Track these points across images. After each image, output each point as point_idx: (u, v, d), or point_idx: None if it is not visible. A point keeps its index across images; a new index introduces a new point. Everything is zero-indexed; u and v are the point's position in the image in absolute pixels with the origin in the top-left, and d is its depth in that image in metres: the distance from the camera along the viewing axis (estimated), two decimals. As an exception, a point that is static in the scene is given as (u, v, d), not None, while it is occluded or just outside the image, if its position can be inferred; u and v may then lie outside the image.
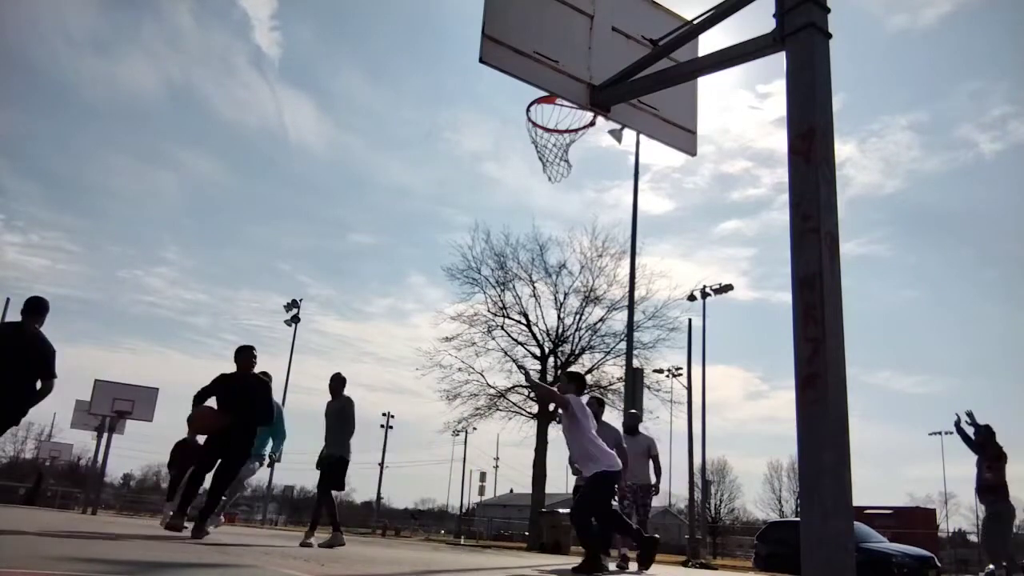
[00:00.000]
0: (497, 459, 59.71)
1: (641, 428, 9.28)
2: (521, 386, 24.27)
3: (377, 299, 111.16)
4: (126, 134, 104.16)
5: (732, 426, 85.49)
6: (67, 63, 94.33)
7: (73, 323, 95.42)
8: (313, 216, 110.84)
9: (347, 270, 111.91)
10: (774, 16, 4.11)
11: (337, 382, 8.26)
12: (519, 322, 24.21)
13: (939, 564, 14.61)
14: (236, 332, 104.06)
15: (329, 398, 8.25)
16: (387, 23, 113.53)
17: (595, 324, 24.28)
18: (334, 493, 8.24)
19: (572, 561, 10.45)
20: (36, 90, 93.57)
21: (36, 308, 5.99)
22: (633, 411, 10.26)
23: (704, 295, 26.44)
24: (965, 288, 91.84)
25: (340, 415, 8.09)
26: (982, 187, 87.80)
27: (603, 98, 5.35)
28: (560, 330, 24.29)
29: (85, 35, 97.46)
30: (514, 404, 24.29)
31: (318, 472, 8.10)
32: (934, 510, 32.96)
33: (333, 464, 8.02)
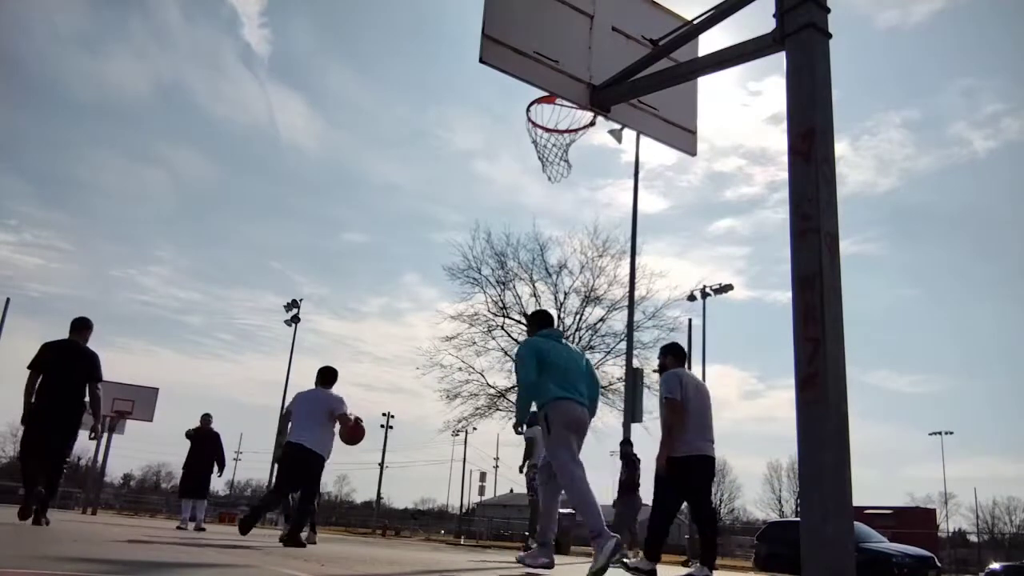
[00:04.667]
0: (497, 459, 59.72)
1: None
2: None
3: (371, 298, 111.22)
4: (116, 132, 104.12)
5: (729, 426, 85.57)
6: (56, 60, 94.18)
7: (67, 322, 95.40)
8: (305, 214, 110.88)
9: (341, 269, 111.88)
10: (774, 16, 4.11)
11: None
12: (519, 322, 24.20)
13: (939, 564, 14.61)
14: (231, 331, 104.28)
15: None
16: (378, 20, 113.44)
17: (595, 324, 24.30)
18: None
19: (572, 561, 10.42)
20: (25, 88, 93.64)
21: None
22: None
23: (704, 295, 26.45)
24: (960, 287, 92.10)
25: None
26: (976, 185, 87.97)
27: (603, 98, 5.35)
28: (560, 330, 24.31)
29: (73, 32, 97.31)
30: (514, 404, 24.28)
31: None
32: (934, 510, 32.95)
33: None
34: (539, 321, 5.53)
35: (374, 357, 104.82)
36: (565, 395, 4.93)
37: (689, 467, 5.52)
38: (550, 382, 4.99)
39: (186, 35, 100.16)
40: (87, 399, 6.80)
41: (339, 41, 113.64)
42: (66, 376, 6.57)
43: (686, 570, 5.79)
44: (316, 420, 7.34)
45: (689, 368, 25.22)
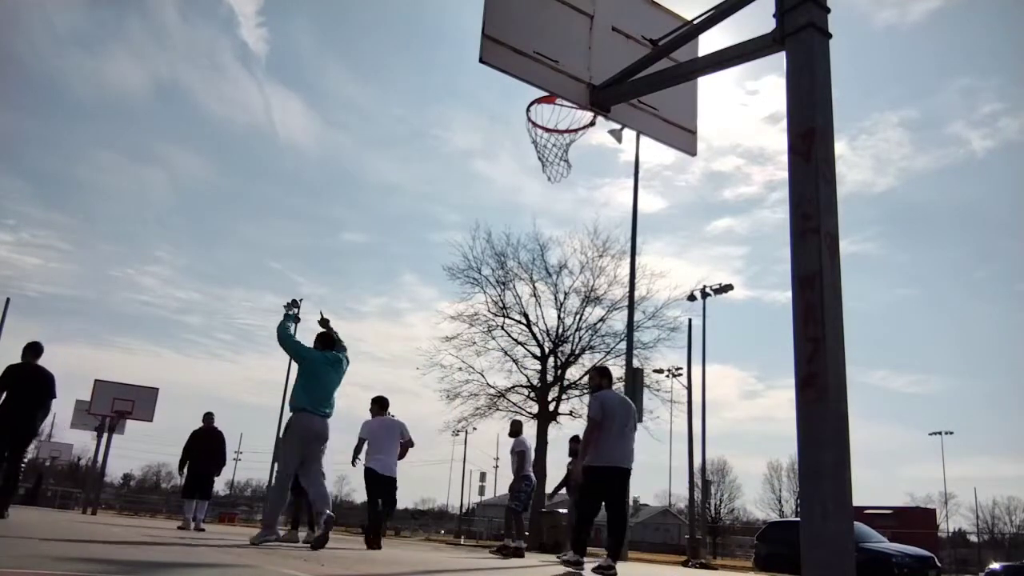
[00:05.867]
0: (497, 459, 59.64)
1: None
2: (521, 386, 24.29)
3: (370, 298, 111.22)
4: (115, 131, 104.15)
5: (728, 426, 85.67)
6: (54, 60, 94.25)
7: (66, 322, 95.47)
8: (304, 214, 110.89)
9: (339, 269, 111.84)
10: (774, 16, 4.11)
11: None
12: (519, 322, 24.21)
13: (939, 564, 14.61)
14: (230, 331, 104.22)
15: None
16: (375, 19, 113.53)
17: (595, 324, 24.28)
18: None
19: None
20: (23, 87, 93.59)
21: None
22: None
23: (704, 295, 26.45)
24: (958, 286, 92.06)
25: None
26: (974, 184, 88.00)
27: (603, 98, 5.35)
28: (560, 330, 24.28)
29: (70, 31, 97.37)
30: (514, 404, 24.29)
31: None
32: (934, 510, 32.98)
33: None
34: (323, 342, 7.08)
35: (373, 357, 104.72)
36: (311, 409, 6.64)
37: (610, 476, 6.40)
38: (305, 394, 6.67)
39: (183, 34, 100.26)
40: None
41: (337, 40, 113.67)
42: (28, 393, 7.75)
43: (597, 562, 6.49)
44: (393, 446, 8.65)
45: (689, 368, 24.66)
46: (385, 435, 8.60)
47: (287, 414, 9.64)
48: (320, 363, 6.81)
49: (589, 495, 6.49)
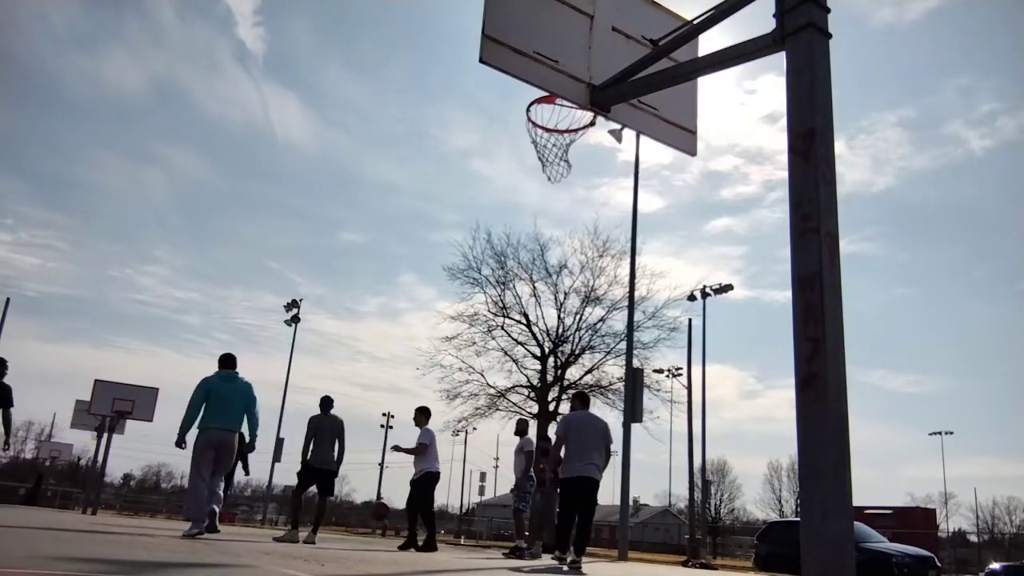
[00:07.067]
0: (497, 459, 59.71)
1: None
2: (521, 386, 24.31)
3: (369, 298, 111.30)
4: (113, 131, 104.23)
5: (728, 425, 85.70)
6: (51, 60, 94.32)
7: (65, 322, 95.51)
8: (303, 214, 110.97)
9: (338, 268, 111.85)
10: (774, 16, 4.11)
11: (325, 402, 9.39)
12: (519, 322, 24.20)
13: (939, 564, 14.61)
14: (229, 331, 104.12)
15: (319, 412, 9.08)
16: (374, 19, 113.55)
17: (595, 324, 24.27)
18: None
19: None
20: (23, 87, 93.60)
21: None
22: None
23: (704, 295, 26.44)
24: (957, 286, 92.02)
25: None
26: (972, 184, 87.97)
27: (603, 98, 5.34)
28: (560, 330, 24.28)
29: (68, 31, 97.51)
30: (514, 404, 24.29)
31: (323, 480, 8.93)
32: (934, 510, 32.94)
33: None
34: (222, 363, 7.72)
35: (372, 357, 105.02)
36: (211, 425, 7.31)
37: (578, 485, 7.12)
38: (206, 413, 7.32)
39: (181, 34, 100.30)
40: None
41: (335, 40, 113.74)
42: None
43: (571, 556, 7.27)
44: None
45: (689, 368, 24.56)
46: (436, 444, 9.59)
47: (287, 414, 9.65)
48: (216, 385, 7.41)
49: (564, 502, 7.30)
